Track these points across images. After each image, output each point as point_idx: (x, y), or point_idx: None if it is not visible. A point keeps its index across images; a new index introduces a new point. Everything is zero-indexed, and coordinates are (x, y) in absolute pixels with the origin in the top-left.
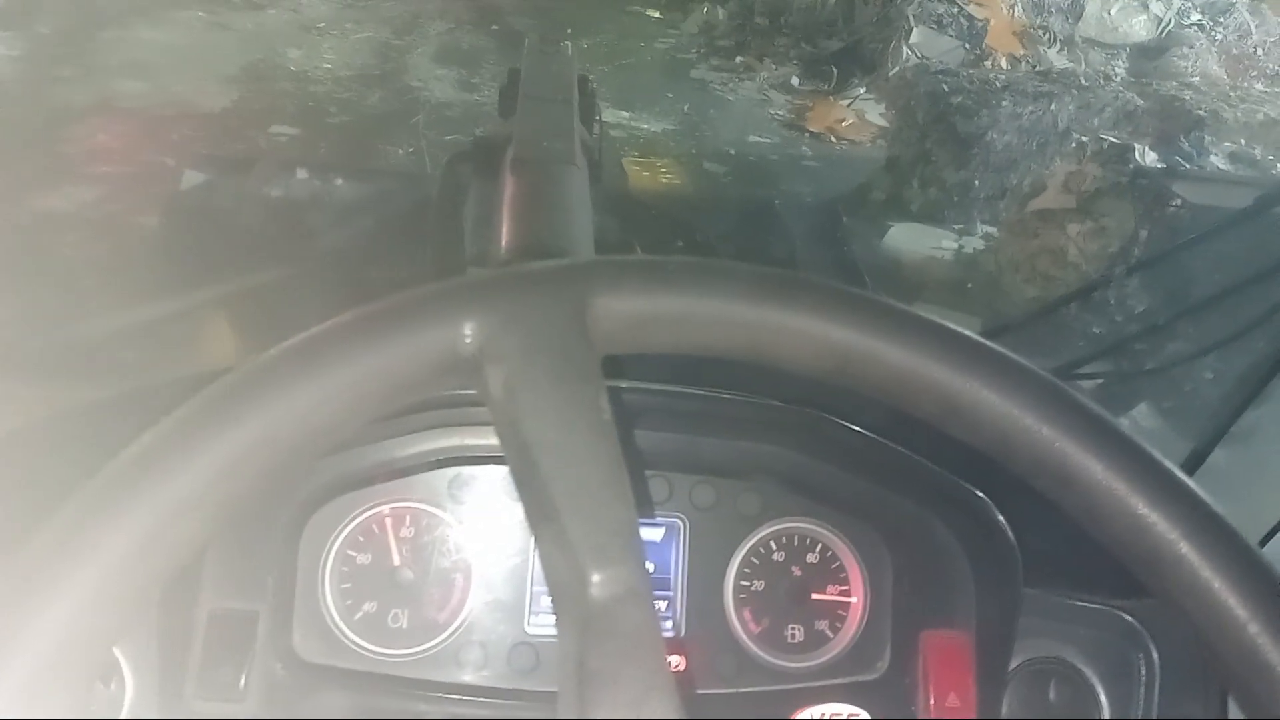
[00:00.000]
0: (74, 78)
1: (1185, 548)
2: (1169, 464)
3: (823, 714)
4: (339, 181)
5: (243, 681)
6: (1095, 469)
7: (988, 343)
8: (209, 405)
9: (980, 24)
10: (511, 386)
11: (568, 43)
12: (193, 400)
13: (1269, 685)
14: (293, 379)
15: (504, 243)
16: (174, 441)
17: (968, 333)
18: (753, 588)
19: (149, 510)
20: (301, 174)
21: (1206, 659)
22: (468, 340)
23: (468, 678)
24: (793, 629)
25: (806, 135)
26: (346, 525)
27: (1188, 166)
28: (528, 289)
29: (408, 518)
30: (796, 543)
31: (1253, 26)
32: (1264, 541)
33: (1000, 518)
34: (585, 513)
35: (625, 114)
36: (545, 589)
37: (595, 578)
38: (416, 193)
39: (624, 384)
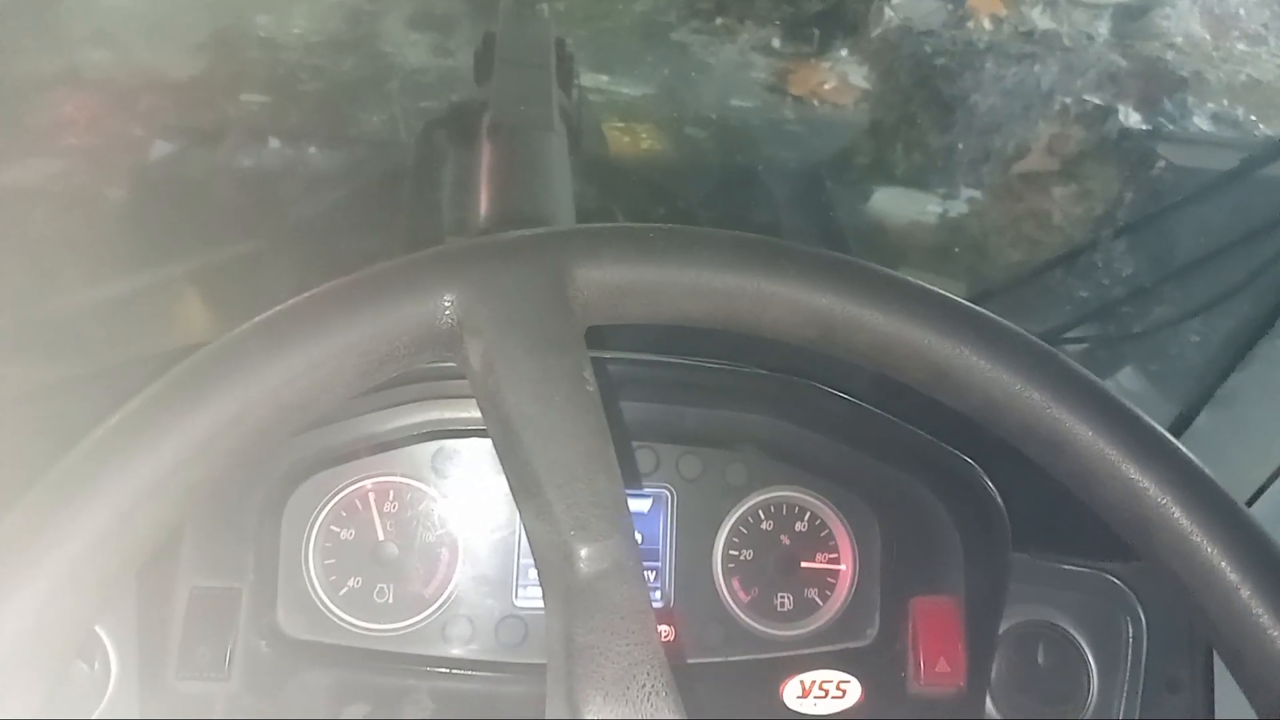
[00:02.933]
0: (36, 48)
1: (1177, 512)
2: (1159, 428)
3: (812, 681)
4: (312, 150)
5: (226, 659)
6: (1085, 434)
7: (975, 307)
8: (177, 384)
9: None
10: (491, 359)
11: (544, 5)
12: (161, 379)
13: (1259, 648)
14: (264, 356)
15: (483, 211)
16: (142, 422)
17: (954, 297)
18: (741, 557)
19: (118, 493)
20: (274, 143)
21: (1195, 622)
22: (445, 312)
23: (455, 652)
24: (782, 597)
25: (789, 99)
26: (329, 501)
27: (1171, 128)
28: (505, 259)
29: (391, 492)
30: (785, 511)
31: None
32: (1249, 503)
33: (988, 483)
34: (570, 487)
35: (604, 78)
36: (533, 562)
37: (582, 552)
38: (392, 161)
39: (608, 354)
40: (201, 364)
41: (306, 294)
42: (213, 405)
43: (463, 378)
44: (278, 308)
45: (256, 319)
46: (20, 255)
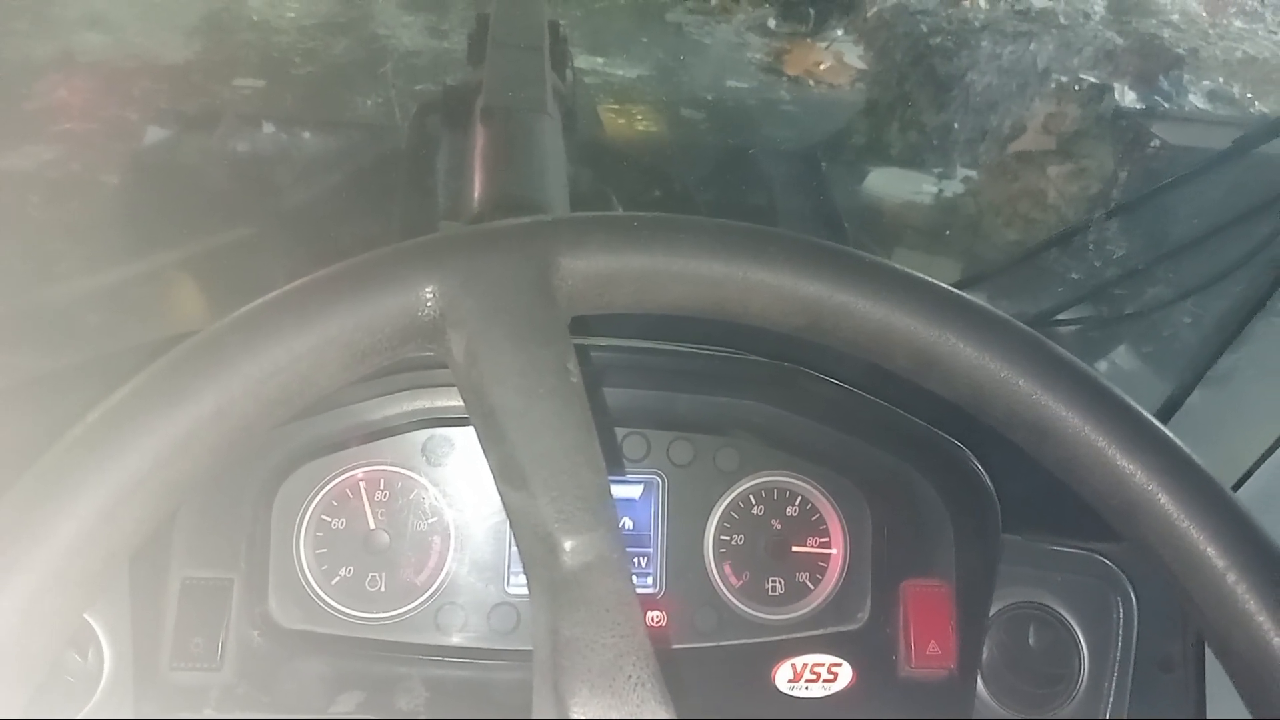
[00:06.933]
0: (29, 32)
1: (1163, 498)
2: (1146, 414)
3: (804, 665)
4: (307, 135)
5: (219, 649)
6: (1071, 420)
7: (962, 294)
8: (157, 380)
9: None
10: (474, 351)
11: None
12: (140, 375)
13: (1246, 633)
14: (244, 350)
15: (475, 196)
16: (121, 419)
17: (941, 283)
18: (733, 542)
19: (100, 491)
20: (268, 128)
21: (1183, 608)
22: (428, 304)
23: (448, 639)
24: (773, 582)
25: (784, 79)
26: (320, 490)
27: (1167, 106)
28: (488, 249)
29: (382, 481)
30: (776, 496)
31: None
32: (1238, 484)
33: (978, 467)
34: (554, 480)
35: (599, 60)
36: None
37: (566, 545)
38: (387, 145)
39: (599, 341)
40: (181, 359)
41: (287, 287)
42: (193, 401)
43: None
44: (258, 301)
45: (236, 313)
46: (17, 242)
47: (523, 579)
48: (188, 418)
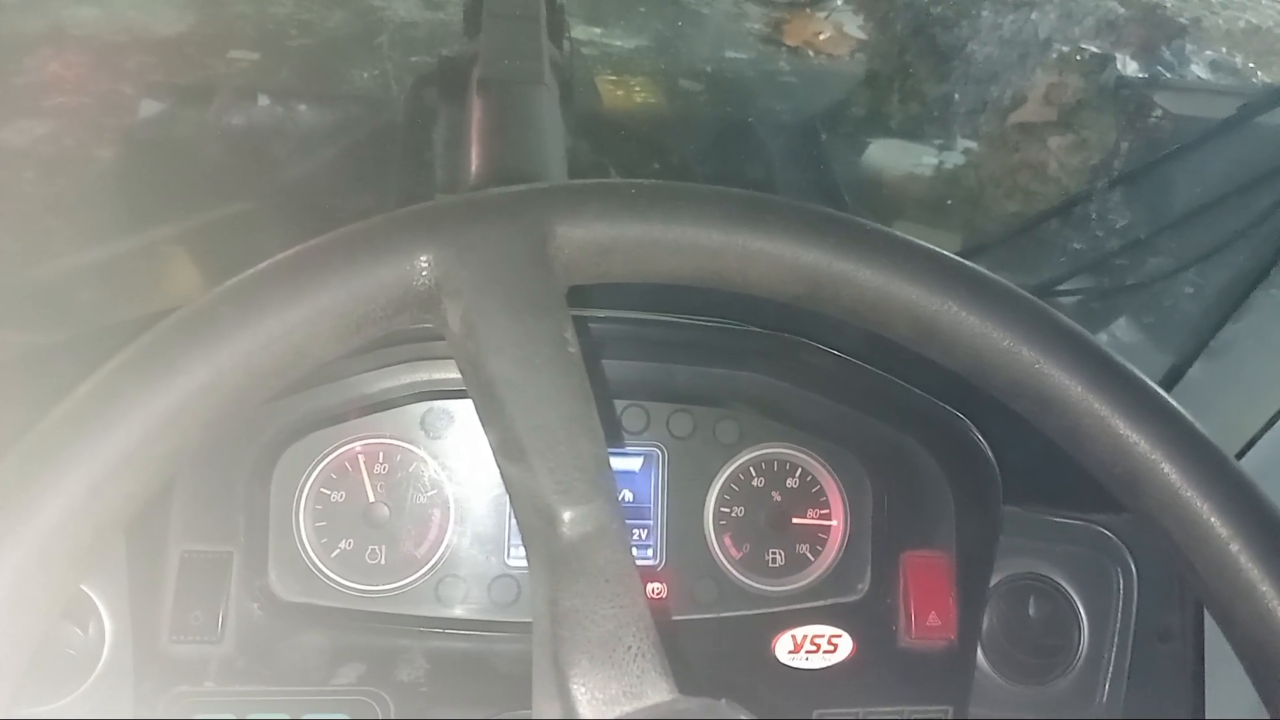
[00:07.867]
0: (19, 5)
1: (1167, 468)
2: (1150, 382)
3: (804, 636)
4: (302, 108)
5: (219, 622)
6: (1074, 389)
7: (963, 261)
8: (146, 352)
9: None
10: (470, 321)
11: None
12: (130, 347)
13: (1250, 603)
14: (236, 321)
15: (472, 168)
16: (110, 392)
17: (942, 251)
18: (733, 514)
19: (88, 465)
20: (263, 100)
21: (1185, 578)
22: (423, 273)
23: (448, 611)
24: (773, 553)
25: (784, 50)
26: (319, 463)
27: (1169, 76)
28: (484, 217)
29: (381, 454)
30: (776, 468)
31: None
32: (1240, 455)
33: (979, 438)
34: (552, 451)
35: (597, 30)
36: None
37: (565, 516)
38: (383, 118)
39: (598, 312)
40: (171, 331)
41: (279, 256)
42: (183, 373)
43: None
44: (250, 271)
45: (228, 283)
46: (5, 217)
47: (523, 551)
48: (178, 390)
